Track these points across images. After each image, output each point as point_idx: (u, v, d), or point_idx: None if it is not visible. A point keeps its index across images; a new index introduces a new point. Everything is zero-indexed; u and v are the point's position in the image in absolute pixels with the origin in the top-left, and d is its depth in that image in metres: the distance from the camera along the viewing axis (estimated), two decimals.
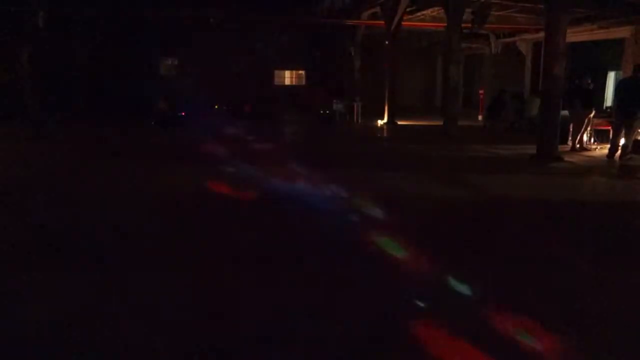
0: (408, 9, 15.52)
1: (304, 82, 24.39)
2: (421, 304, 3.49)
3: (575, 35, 14.03)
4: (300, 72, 24.43)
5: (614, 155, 10.07)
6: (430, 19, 16.76)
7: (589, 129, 11.43)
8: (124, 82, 19.36)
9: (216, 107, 21.83)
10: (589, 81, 11.12)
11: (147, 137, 13.77)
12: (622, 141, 9.98)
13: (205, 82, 22.93)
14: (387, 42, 16.13)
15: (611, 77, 15.28)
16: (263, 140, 12.85)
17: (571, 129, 11.41)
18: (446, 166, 9.57)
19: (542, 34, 10.72)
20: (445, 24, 12.69)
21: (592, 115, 11.20)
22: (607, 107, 13.59)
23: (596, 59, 15.33)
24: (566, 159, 10.02)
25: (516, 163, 9.76)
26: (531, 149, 10.32)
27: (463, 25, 12.65)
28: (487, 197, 7.14)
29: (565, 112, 10.82)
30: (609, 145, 10.39)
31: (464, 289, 3.73)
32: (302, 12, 21.93)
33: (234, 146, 11.45)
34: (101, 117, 17.50)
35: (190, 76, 23.09)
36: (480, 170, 9.03)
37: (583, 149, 11.27)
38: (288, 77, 24.52)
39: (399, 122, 16.30)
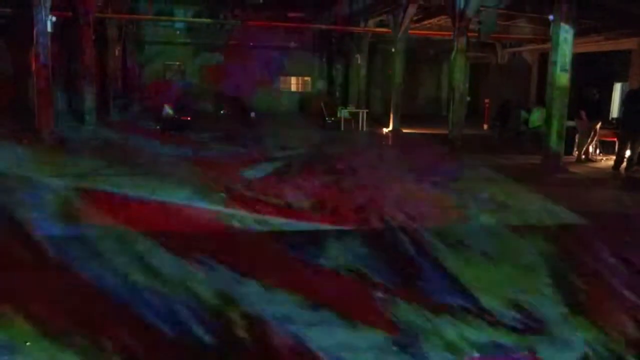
0: (415, 18, 15.55)
1: (310, 89, 24.41)
2: None
3: (582, 46, 13.98)
4: (307, 78, 24.45)
5: (619, 167, 10.03)
6: (437, 27, 16.78)
7: (595, 140, 11.39)
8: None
9: (222, 112, 21.89)
10: (595, 92, 11.10)
11: None
12: (627, 153, 9.94)
13: (211, 87, 23.07)
14: (393, 50, 16.15)
15: (617, 89, 15.22)
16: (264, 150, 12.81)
17: (577, 140, 11.37)
18: (445, 176, 9.33)
19: (548, 45, 10.71)
20: (452, 33, 12.69)
21: (598, 126, 11.15)
22: (613, 119, 13.54)
23: (602, 70, 15.27)
24: (571, 169, 9.97)
25: (520, 174, 9.67)
26: (536, 159, 10.26)
27: (469, 34, 12.65)
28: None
29: (571, 123, 10.78)
30: (614, 157, 10.34)
31: None
32: (310, 18, 22.04)
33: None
34: None
35: (196, 81, 23.21)
36: (482, 181, 8.97)
37: (588, 160, 11.23)
38: (294, 84, 24.54)
39: (404, 130, 16.28)
